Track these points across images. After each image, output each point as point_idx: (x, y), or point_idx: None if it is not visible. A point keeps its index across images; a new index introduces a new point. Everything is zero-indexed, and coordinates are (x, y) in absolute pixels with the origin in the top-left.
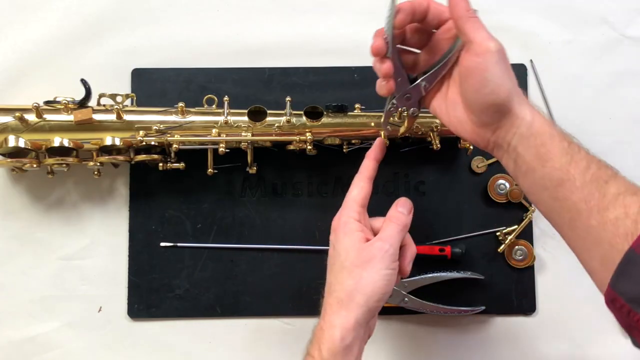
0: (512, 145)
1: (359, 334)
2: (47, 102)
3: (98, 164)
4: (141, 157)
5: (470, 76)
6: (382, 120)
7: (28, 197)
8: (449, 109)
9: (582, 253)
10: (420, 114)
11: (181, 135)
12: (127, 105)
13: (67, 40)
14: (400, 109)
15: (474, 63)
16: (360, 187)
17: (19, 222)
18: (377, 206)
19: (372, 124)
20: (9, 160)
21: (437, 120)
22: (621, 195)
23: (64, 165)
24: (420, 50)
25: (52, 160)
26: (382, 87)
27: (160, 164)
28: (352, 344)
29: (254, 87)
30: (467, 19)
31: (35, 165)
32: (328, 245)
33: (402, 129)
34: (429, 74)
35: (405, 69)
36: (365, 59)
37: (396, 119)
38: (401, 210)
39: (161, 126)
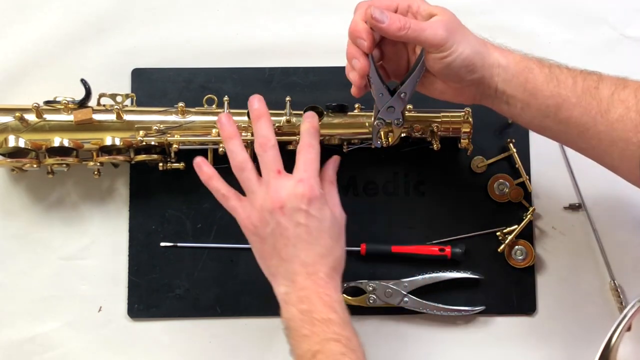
0: (499, 90)
1: None
2: (47, 102)
3: (98, 164)
4: (141, 157)
5: (440, 70)
6: (371, 136)
7: (28, 197)
8: (427, 85)
9: (599, 157)
10: (420, 115)
11: (181, 135)
12: (127, 105)
13: (67, 40)
14: (386, 122)
15: (439, 63)
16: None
17: (19, 222)
18: (376, 206)
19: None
20: (9, 160)
21: (437, 120)
22: (615, 93)
23: (64, 165)
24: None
25: (52, 160)
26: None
27: (160, 164)
28: None
29: (254, 87)
30: (405, 31)
31: (35, 165)
32: None
33: (391, 139)
34: (406, 83)
35: (384, 85)
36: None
37: (381, 133)
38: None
39: (161, 126)
